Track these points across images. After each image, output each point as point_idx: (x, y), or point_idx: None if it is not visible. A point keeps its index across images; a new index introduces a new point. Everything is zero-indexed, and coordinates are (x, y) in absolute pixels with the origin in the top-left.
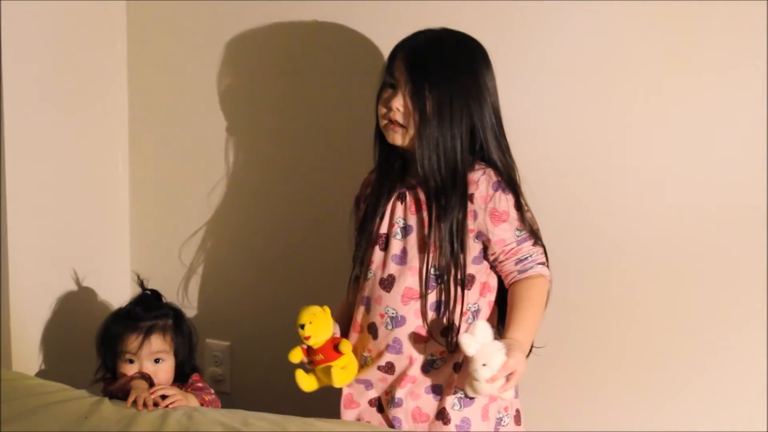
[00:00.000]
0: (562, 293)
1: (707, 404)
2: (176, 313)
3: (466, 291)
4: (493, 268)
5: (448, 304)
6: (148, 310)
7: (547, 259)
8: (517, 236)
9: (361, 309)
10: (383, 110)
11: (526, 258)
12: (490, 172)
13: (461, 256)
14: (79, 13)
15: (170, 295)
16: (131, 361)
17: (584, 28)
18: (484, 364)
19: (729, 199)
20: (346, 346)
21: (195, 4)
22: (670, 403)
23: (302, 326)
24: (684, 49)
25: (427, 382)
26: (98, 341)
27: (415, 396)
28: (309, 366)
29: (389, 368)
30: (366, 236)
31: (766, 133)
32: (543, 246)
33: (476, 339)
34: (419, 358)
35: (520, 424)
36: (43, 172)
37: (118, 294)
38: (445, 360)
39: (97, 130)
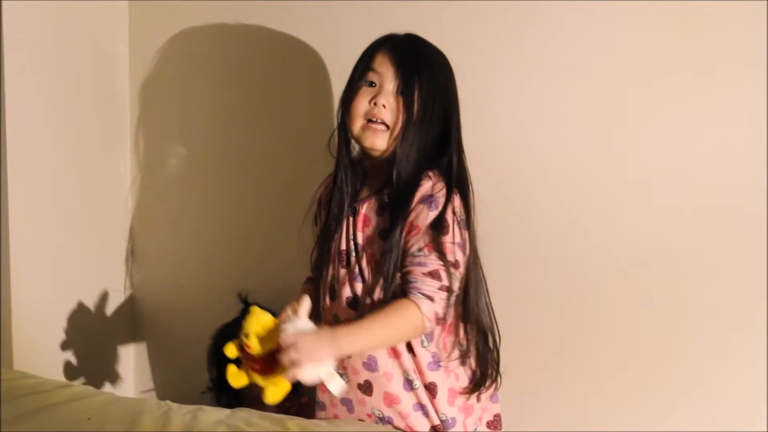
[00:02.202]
0: (562, 295)
1: (707, 404)
2: None
3: None
4: None
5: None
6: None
7: (444, 299)
8: (415, 255)
9: None
10: (364, 108)
11: (411, 282)
12: (429, 185)
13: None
14: (81, 14)
15: (170, 297)
16: None
17: (579, 28)
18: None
19: (729, 199)
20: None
21: (197, 4)
22: (669, 404)
23: (246, 335)
24: (682, 49)
25: (412, 399)
26: (212, 359)
27: (404, 415)
28: (243, 362)
29: (367, 387)
30: (326, 251)
31: (766, 133)
32: (440, 281)
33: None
34: (396, 374)
35: (500, 428)
36: (46, 173)
37: (118, 294)
38: (422, 378)
39: (100, 132)
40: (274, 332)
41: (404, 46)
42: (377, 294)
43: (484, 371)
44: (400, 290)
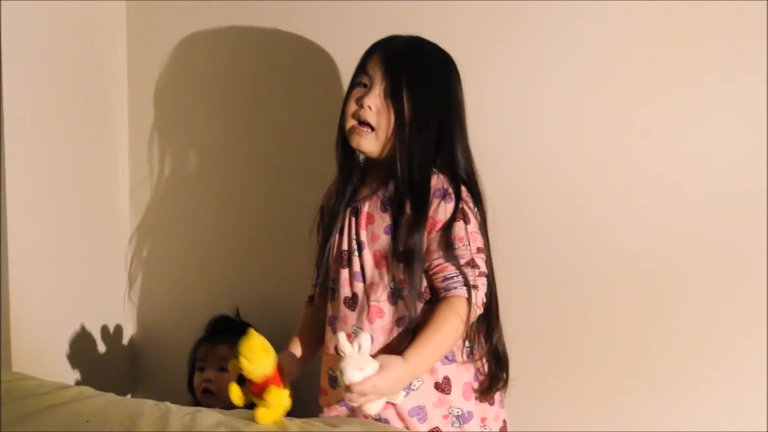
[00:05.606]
0: (563, 296)
1: (707, 404)
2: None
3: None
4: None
5: (409, 321)
6: (220, 327)
7: (487, 284)
8: (446, 249)
9: (329, 329)
10: (353, 108)
11: (452, 277)
12: (439, 178)
13: (418, 269)
14: (78, 15)
15: (168, 298)
16: (202, 369)
17: (583, 30)
18: (341, 371)
19: (731, 199)
20: (274, 396)
21: (195, 5)
22: (669, 404)
23: (244, 358)
24: (682, 50)
25: (409, 404)
26: (190, 362)
27: (401, 417)
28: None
29: None
30: (327, 253)
31: (766, 133)
32: (478, 268)
33: (352, 346)
34: None
35: None
36: (44, 174)
37: (116, 294)
38: (423, 380)
39: (98, 133)
40: (268, 357)
41: (397, 47)
42: (380, 292)
43: (495, 373)
44: (434, 284)
